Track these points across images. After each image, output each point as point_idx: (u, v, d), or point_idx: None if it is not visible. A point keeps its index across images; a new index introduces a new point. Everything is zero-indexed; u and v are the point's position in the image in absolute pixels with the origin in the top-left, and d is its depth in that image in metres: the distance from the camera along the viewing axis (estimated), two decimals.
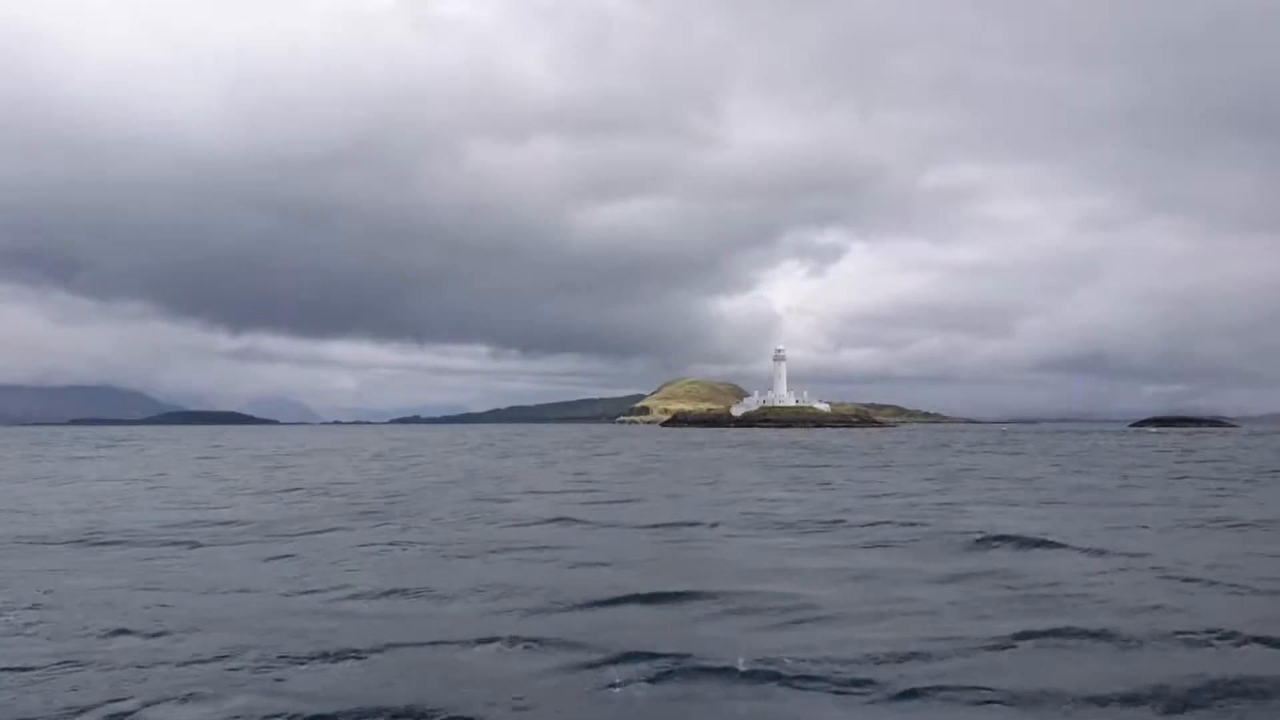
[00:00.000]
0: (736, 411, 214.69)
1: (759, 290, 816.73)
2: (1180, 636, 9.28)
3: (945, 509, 22.13)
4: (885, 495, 26.49)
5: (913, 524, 18.72)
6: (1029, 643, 9.13)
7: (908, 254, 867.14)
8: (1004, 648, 8.96)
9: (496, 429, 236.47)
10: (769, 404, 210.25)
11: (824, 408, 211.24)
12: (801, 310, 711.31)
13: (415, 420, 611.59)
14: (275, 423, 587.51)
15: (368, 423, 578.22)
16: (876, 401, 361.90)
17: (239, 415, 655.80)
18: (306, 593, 11.61)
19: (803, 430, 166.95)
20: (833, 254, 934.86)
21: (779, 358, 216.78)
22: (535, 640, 8.95)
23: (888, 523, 19.02)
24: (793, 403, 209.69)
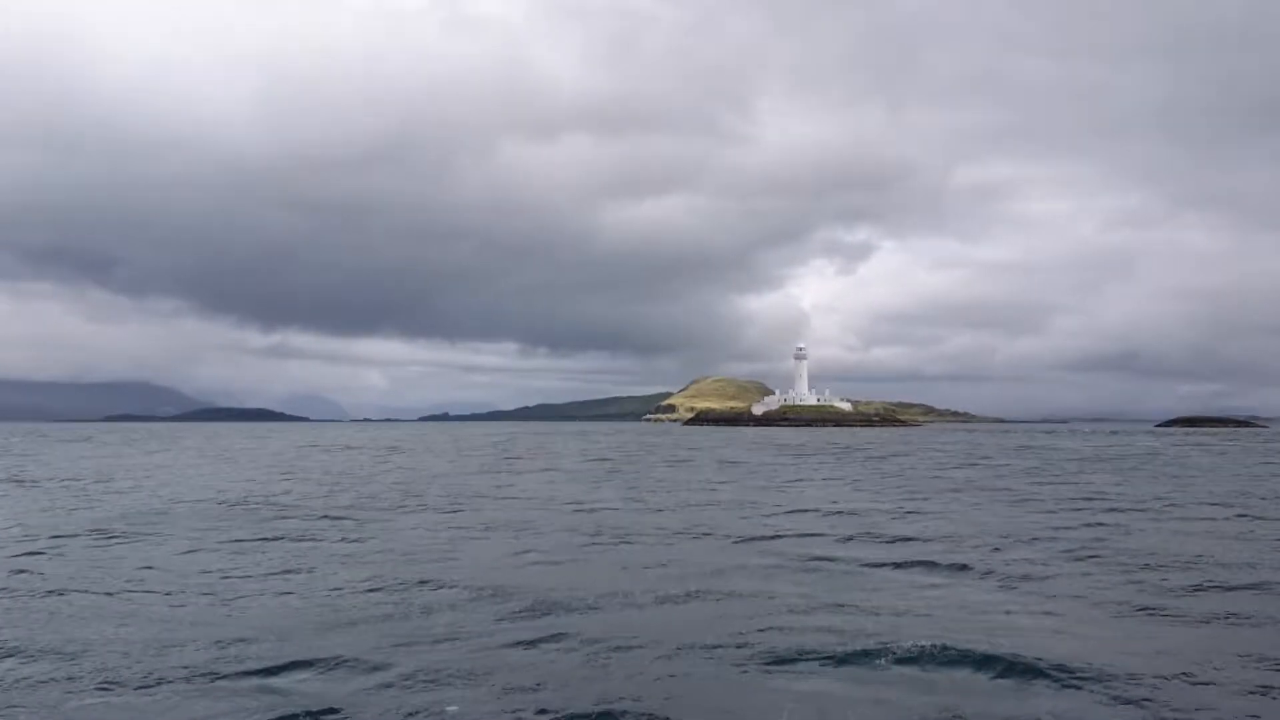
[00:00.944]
0: (757, 410, 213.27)
1: (788, 288, 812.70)
2: (937, 663, 8.65)
3: (859, 517, 21.45)
4: (824, 501, 25.80)
5: (801, 534, 18.15)
6: (760, 662, 8.64)
7: (938, 252, 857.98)
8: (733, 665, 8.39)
9: (520, 427, 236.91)
10: (790, 403, 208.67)
11: (846, 406, 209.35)
12: (831, 308, 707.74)
13: (444, 418, 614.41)
14: (305, 420, 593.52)
15: (397, 420, 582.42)
16: (906, 400, 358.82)
17: (270, 412, 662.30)
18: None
19: (821, 429, 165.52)
20: (862, 252, 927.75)
21: (800, 356, 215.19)
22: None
23: (787, 535, 18.38)
24: (814, 401, 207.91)
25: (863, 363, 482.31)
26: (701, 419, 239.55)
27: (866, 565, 14.84)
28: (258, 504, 24.85)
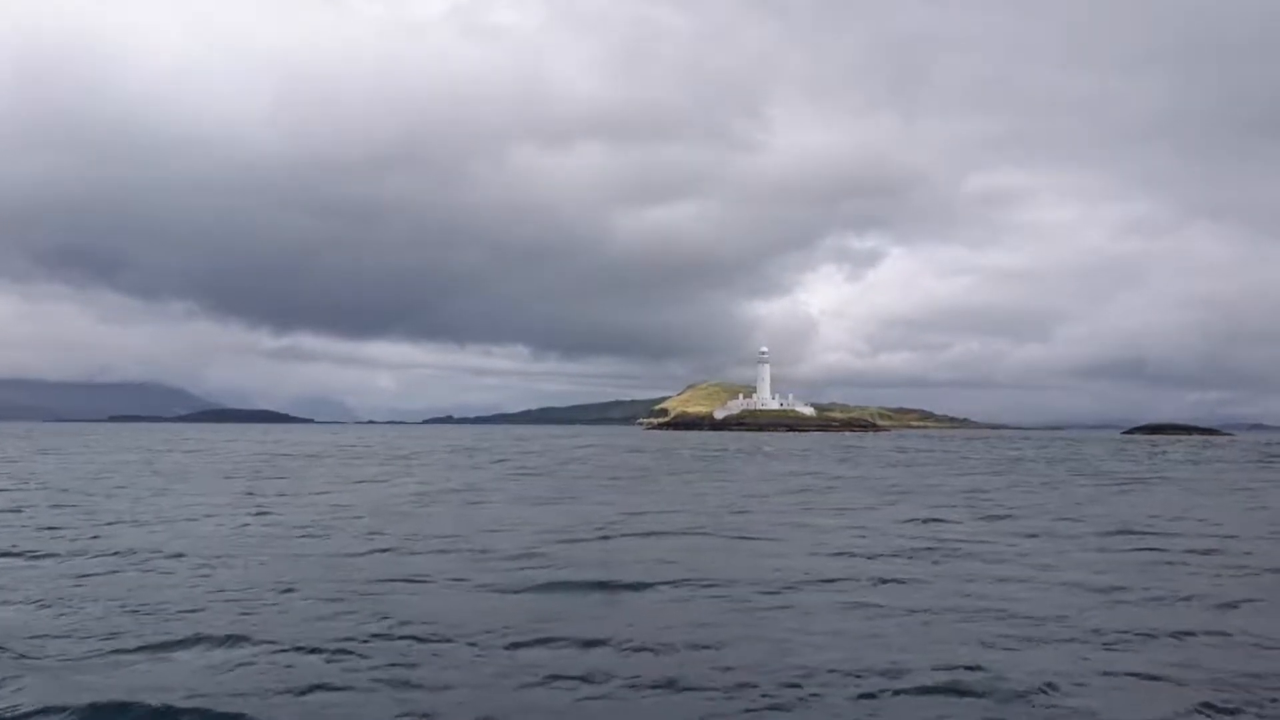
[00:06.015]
0: (719, 414, 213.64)
1: (797, 294, 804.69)
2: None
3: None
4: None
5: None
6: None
7: (947, 259, 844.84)
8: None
9: (514, 430, 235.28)
10: (751, 407, 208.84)
11: (808, 411, 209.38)
12: (839, 314, 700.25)
13: (448, 420, 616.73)
14: (311, 422, 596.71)
15: (401, 422, 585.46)
16: (907, 406, 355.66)
17: (276, 414, 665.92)
18: None
19: (769, 433, 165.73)
20: (871, 258, 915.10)
21: (762, 360, 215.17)
22: None
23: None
24: (776, 406, 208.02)
25: (870, 368, 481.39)
26: (671, 424, 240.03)
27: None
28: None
